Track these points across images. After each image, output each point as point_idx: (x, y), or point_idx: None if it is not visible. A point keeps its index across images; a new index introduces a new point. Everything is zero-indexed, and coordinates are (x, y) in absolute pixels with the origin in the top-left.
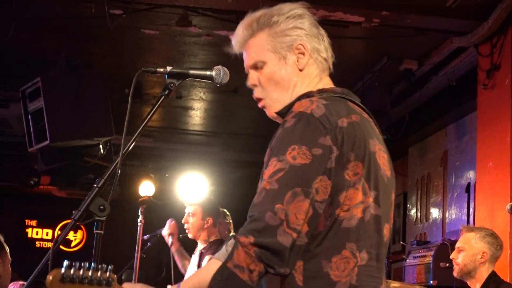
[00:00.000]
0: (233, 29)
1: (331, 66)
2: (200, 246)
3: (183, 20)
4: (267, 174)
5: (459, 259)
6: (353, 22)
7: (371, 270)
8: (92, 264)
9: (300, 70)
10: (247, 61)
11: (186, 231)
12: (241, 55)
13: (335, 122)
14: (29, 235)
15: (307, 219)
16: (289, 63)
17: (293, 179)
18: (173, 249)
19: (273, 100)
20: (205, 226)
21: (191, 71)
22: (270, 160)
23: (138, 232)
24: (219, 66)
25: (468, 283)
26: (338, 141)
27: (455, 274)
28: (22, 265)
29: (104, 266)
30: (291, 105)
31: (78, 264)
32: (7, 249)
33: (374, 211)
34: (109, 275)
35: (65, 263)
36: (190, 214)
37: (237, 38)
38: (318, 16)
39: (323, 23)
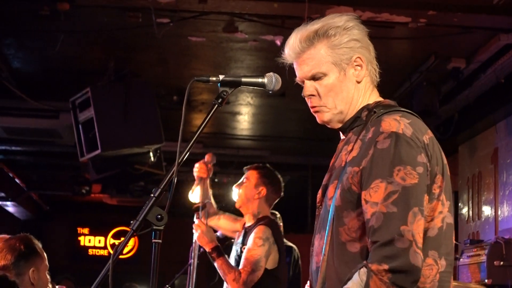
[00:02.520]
0: (279, 33)
1: (378, 76)
2: (247, 223)
3: (230, 26)
4: (378, 197)
5: None
6: (399, 22)
7: (447, 275)
8: (167, 286)
9: (358, 82)
10: (305, 72)
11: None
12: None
13: (422, 140)
14: (82, 243)
15: (423, 235)
16: (348, 75)
17: (409, 199)
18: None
19: (328, 107)
20: (256, 197)
21: (244, 79)
22: (374, 181)
23: (194, 238)
24: (271, 73)
25: None
26: (429, 157)
27: None
28: (76, 273)
29: None
30: (354, 118)
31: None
32: (44, 256)
33: (449, 220)
34: None
35: None
36: (244, 178)
37: (293, 49)
38: (364, 18)
39: (370, 24)
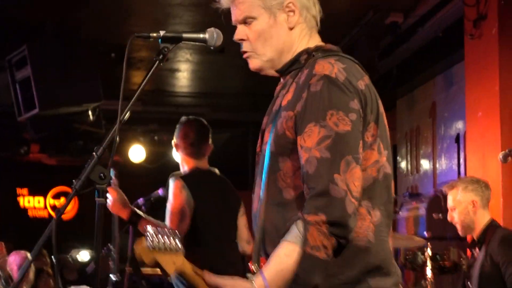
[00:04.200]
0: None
1: (319, 23)
2: None
3: None
4: (311, 141)
5: (455, 218)
6: None
7: (382, 226)
8: (166, 230)
9: (290, 29)
10: (236, 16)
11: None
12: (228, 14)
13: (356, 85)
14: (21, 204)
15: (361, 184)
16: (279, 21)
17: (342, 146)
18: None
19: (259, 54)
20: (178, 151)
21: (184, 35)
22: (307, 125)
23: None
24: (212, 29)
25: (473, 236)
26: (362, 103)
27: (461, 233)
28: (16, 235)
29: (172, 231)
30: (292, 61)
31: (155, 230)
32: None
33: (387, 170)
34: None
35: (148, 231)
36: None
37: None
38: None
39: None
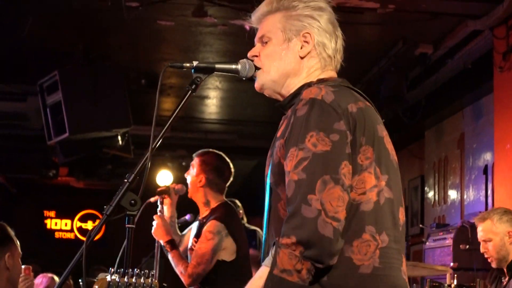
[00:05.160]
0: (248, 18)
1: (337, 67)
2: (202, 214)
3: (199, 11)
4: (291, 165)
5: (490, 251)
6: (368, 8)
7: (392, 252)
8: (136, 270)
9: (301, 58)
10: (257, 33)
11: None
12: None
13: (345, 107)
14: (48, 226)
15: (345, 205)
16: (292, 47)
17: (319, 167)
18: (165, 215)
19: (264, 71)
20: (199, 185)
21: (217, 66)
22: (290, 150)
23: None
24: (245, 60)
25: (503, 266)
26: (351, 125)
27: (494, 265)
28: (42, 257)
29: (147, 272)
30: (293, 95)
31: (121, 270)
32: (17, 243)
33: (388, 194)
34: (151, 281)
35: (110, 270)
36: (191, 166)
37: (256, 13)
38: (334, 3)
39: (339, 10)
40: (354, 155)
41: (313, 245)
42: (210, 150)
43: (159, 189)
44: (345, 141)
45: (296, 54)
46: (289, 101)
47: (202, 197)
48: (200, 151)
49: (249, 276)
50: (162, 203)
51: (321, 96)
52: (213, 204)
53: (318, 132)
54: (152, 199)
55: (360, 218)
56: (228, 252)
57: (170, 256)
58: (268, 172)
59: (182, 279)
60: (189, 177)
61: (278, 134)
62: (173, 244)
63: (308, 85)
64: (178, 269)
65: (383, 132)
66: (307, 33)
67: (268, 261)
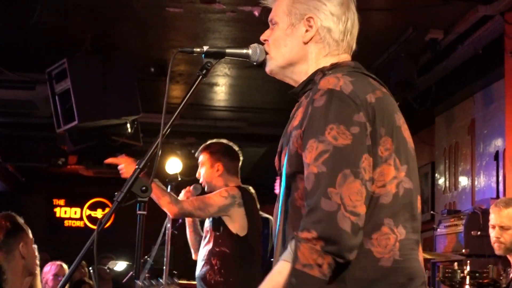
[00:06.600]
0: (257, 4)
1: (350, 48)
2: None
3: None
4: (310, 157)
5: (503, 238)
6: None
7: (410, 243)
8: (160, 280)
9: (304, 43)
10: (269, 15)
11: (202, 184)
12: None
13: (364, 98)
14: (58, 215)
15: (363, 199)
16: (296, 32)
17: (340, 160)
18: (187, 221)
19: (272, 57)
20: (217, 174)
21: (228, 50)
22: (308, 141)
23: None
24: (256, 44)
25: (509, 257)
26: (370, 117)
27: (499, 252)
28: (52, 245)
29: (171, 279)
30: (306, 82)
31: (148, 282)
32: (28, 230)
33: (408, 185)
34: None
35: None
36: (199, 164)
37: None
38: None
39: None
40: (375, 147)
41: (334, 240)
42: (210, 141)
43: (169, 177)
44: (365, 133)
45: (299, 39)
46: (302, 88)
47: (222, 185)
48: (202, 146)
49: (257, 261)
50: (172, 190)
51: (340, 86)
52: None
53: (338, 125)
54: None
55: (379, 211)
56: (240, 226)
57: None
58: (284, 162)
59: (168, 207)
60: (204, 173)
61: (295, 123)
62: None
63: (321, 71)
64: (164, 200)
65: (400, 120)
66: (311, 17)
67: (287, 255)
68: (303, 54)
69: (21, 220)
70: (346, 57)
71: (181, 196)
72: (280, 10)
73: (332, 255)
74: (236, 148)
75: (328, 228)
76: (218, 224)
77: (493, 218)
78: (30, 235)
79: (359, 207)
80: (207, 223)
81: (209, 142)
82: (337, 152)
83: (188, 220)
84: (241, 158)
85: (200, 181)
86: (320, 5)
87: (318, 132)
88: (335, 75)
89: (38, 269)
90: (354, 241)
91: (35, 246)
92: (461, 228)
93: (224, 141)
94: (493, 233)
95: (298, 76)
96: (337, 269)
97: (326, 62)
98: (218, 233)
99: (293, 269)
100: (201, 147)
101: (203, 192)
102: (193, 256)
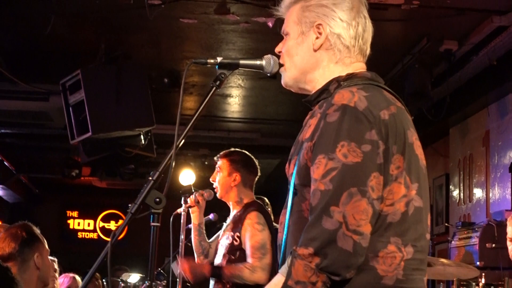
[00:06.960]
0: (271, 15)
1: (363, 53)
2: (233, 211)
3: (221, 8)
4: (318, 173)
5: None
6: (392, 4)
7: (416, 263)
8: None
9: (315, 51)
10: (282, 28)
11: (214, 190)
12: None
13: (378, 115)
14: (71, 226)
15: (369, 218)
16: (307, 40)
17: (347, 178)
18: (193, 222)
19: (286, 69)
20: (233, 184)
21: (241, 61)
22: (318, 156)
23: (181, 221)
24: (269, 55)
25: None
26: (383, 134)
27: None
28: (65, 256)
29: None
30: (320, 91)
31: None
32: (44, 241)
33: (418, 203)
34: None
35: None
36: (217, 168)
37: (283, 4)
38: None
39: None
40: (387, 165)
41: (330, 258)
42: (233, 149)
43: (183, 189)
44: (377, 151)
45: (310, 47)
46: (316, 97)
47: (235, 196)
48: (223, 152)
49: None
50: (185, 202)
51: (354, 102)
52: (246, 200)
53: (349, 142)
54: (178, 210)
55: (387, 229)
56: None
57: (225, 276)
58: (294, 171)
59: (252, 277)
60: (219, 179)
61: (307, 134)
62: (216, 267)
63: (337, 80)
64: (245, 273)
65: (413, 137)
66: (320, 24)
67: (283, 269)
68: (314, 62)
69: (37, 231)
70: (361, 66)
71: (192, 198)
72: (291, 20)
73: (327, 273)
74: (256, 162)
75: (325, 246)
76: (236, 249)
77: (510, 231)
78: (46, 246)
79: (364, 226)
80: (224, 242)
81: (232, 149)
82: (346, 170)
83: (193, 224)
84: (259, 174)
85: (214, 186)
86: (329, 12)
87: (328, 149)
88: (350, 89)
89: (57, 282)
90: (354, 260)
91: (54, 259)
92: (475, 240)
93: (246, 152)
94: (511, 246)
95: (311, 84)
96: (337, 285)
97: (339, 69)
98: (233, 257)
99: (284, 284)
100: (222, 152)
101: (215, 198)
102: (196, 260)
